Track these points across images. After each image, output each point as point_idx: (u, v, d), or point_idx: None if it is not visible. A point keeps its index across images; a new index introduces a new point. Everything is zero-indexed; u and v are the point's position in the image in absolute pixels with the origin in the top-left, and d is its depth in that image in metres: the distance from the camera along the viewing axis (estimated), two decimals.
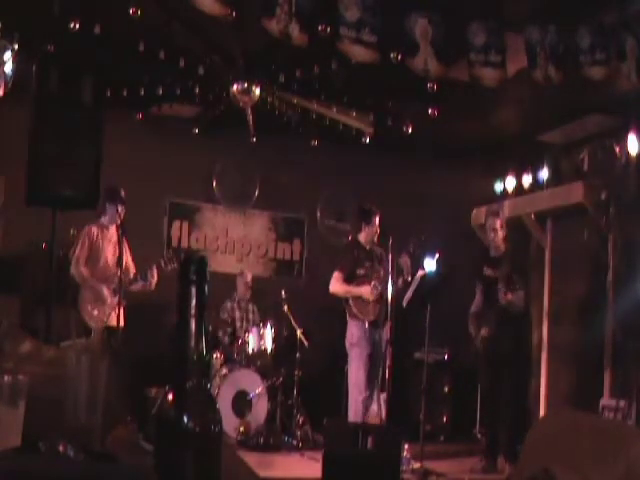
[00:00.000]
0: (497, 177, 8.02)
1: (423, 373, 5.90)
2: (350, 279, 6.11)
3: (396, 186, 8.09)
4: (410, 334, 6.45)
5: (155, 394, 6.18)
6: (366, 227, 6.23)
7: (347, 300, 6.09)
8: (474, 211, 8.19)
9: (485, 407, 6.11)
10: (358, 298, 6.03)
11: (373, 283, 6.00)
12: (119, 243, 5.62)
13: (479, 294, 6.17)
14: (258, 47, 5.27)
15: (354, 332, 6.02)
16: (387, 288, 5.82)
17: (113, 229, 5.88)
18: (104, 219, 6.01)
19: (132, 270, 6.05)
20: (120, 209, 5.76)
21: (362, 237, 6.26)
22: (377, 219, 6.21)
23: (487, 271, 6.02)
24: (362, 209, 6.40)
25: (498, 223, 6.06)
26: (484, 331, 5.81)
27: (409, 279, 6.03)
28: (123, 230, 5.59)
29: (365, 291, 5.99)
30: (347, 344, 6.08)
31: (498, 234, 6.04)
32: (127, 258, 5.89)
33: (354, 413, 5.97)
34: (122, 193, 5.86)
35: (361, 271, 6.13)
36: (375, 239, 6.23)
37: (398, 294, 5.96)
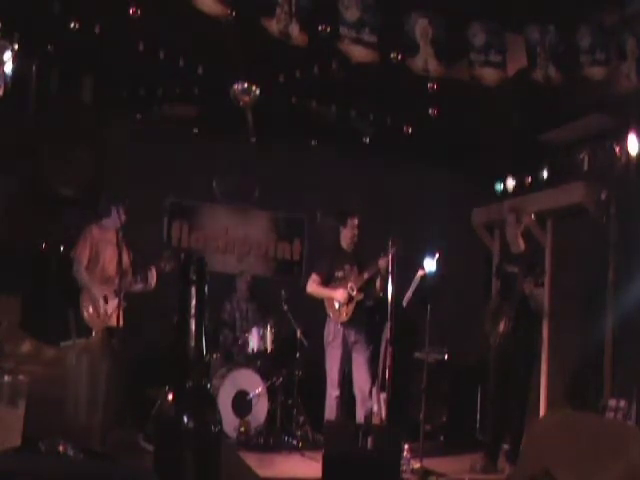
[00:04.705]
0: (497, 177, 8.01)
1: (423, 373, 5.89)
2: (328, 281, 6.28)
3: (396, 186, 8.09)
4: (410, 334, 6.45)
5: (155, 394, 6.21)
6: (343, 230, 6.35)
7: (323, 301, 6.27)
8: (474, 211, 8.19)
9: (492, 407, 6.08)
10: (331, 300, 6.20)
11: (350, 285, 6.13)
12: (118, 246, 5.61)
13: (495, 291, 6.13)
14: (258, 47, 5.26)
15: (329, 331, 6.23)
16: (364, 290, 6.12)
17: (113, 232, 5.88)
18: (105, 221, 6.00)
19: (130, 274, 6.04)
20: (122, 214, 5.76)
21: (342, 240, 6.38)
22: (355, 222, 6.30)
23: (507, 267, 5.97)
24: (339, 212, 6.49)
25: (518, 219, 6.01)
26: (502, 326, 5.75)
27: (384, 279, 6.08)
28: (123, 234, 5.58)
29: (337, 294, 6.15)
30: (324, 342, 6.27)
31: (518, 231, 5.99)
32: (126, 262, 5.88)
33: (329, 410, 6.14)
34: (126, 200, 5.85)
35: (339, 273, 6.27)
36: (355, 240, 6.32)
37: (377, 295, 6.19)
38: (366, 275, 6.12)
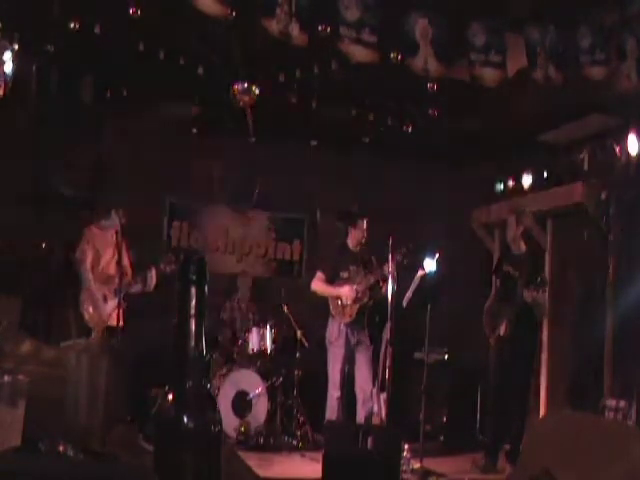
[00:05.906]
0: (497, 177, 8.01)
1: (423, 373, 5.89)
2: (332, 281, 6.23)
3: (396, 186, 8.09)
4: (410, 334, 6.44)
5: (155, 394, 6.21)
6: (352, 230, 6.30)
7: (327, 299, 6.22)
8: (474, 211, 8.19)
9: (492, 406, 6.07)
10: (336, 298, 6.16)
11: (355, 287, 6.08)
12: (118, 246, 5.61)
13: (494, 290, 6.10)
14: (258, 47, 5.27)
15: (332, 331, 6.19)
16: (368, 292, 6.06)
17: (112, 232, 5.88)
18: (105, 222, 6.00)
19: (129, 274, 6.04)
20: (121, 214, 5.76)
21: (349, 240, 6.33)
22: (364, 222, 6.26)
23: (507, 267, 5.94)
24: (348, 212, 6.47)
25: (519, 220, 5.98)
26: (502, 329, 5.73)
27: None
28: (122, 234, 5.58)
29: (343, 292, 6.10)
30: (326, 341, 6.23)
31: (518, 232, 5.96)
32: (125, 262, 5.88)
33: (330, 410, 6.11)
34: (126, 207, 5.85)
35: (345, 274, 6.21)
36: (363, 242, 6.28)
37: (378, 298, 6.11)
38: (372, 279, 6.09)
